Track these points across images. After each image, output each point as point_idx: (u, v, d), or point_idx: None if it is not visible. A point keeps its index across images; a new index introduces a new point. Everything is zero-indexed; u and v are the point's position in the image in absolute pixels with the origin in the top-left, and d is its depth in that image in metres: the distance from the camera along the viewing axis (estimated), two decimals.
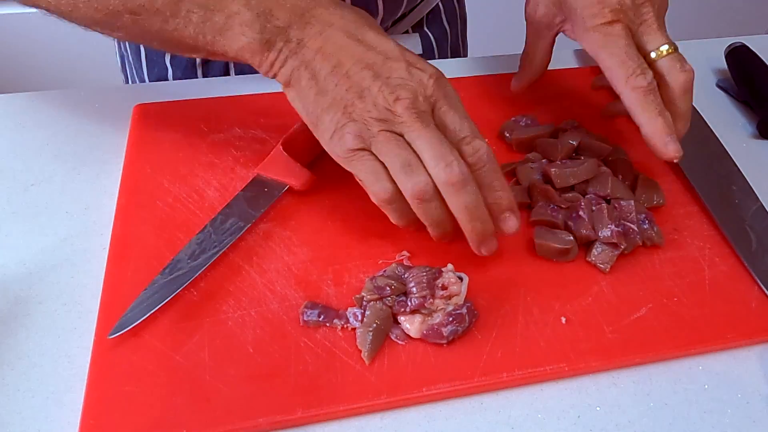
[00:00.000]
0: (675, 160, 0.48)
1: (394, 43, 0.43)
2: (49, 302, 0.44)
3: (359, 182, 0.43)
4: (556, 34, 0.55)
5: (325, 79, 0.42)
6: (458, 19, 0.81)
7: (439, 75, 0.43)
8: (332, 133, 0.42)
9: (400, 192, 0.42)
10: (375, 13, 0.65)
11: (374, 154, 0.42)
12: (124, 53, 0.74)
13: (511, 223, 0.44)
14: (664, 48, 0.49)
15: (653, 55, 0.49)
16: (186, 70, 0.69)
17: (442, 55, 0.78)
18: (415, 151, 0.42)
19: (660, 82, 0.48)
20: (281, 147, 0.51)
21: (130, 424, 0.38)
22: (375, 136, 0.41)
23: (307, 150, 0.52)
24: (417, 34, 0.74)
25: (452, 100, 0.43)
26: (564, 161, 0.51)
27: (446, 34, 0.78)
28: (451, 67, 0.61)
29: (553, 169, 0.50)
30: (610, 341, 0.43)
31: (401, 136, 0.42)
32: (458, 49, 0.82)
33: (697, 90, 0.51)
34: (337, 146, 0.42)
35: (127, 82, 0.77)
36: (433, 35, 0.76)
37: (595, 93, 0.52)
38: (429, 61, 0.44)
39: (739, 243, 0.49)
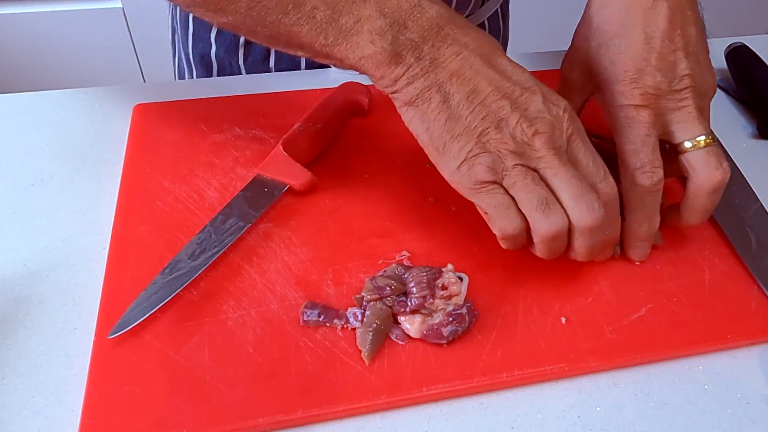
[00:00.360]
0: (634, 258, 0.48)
1: (528, 73, 0.42)
2: (49, 302, 0.44)
3: (482, 215, 0.42)
4: (587, 100, 0.51)
5: (459, 104, 0.40)
6: (500, 39, 0.79)
7: (571, 109, 0.42)
8: (461, 162, 0.40)
9: (526, 229, 0.41)
10: None
11: (504, 188, 0.40)
12: (175, 26, 0.75)
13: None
14: (701, 138, 0.44)
15: (688, 144, 0.44)
16: (229, 48, 0.69)
17: None
18: (551, 189, 0.40)
19: (691, 173, 0.45)
20: (281, 147, 0.51)
21: (130, 424, 0.38)
22: (509, 170, 0.40)
23: (307, 150, 0.52)
24: None
25: (584, 136, 0.42)
26: None
27: None
28: None
29: None
30: (610, 341, 0.43)
31: (536, 171, 0.40)
32: None
33: None
34: (465, 177, 0.40)
35: (174, 56, 0.78)
36: None
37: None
38: None
39: (739, 243, 0.49)
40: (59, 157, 0.54)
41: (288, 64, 0.68)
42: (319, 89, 0.60)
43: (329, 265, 0.46)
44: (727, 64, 0.66)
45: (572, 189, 0.40)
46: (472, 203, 0.42)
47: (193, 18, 0.71)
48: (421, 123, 0.41)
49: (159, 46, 1.59)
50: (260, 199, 0.49)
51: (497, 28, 0.78)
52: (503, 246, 0.43)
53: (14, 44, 1.54)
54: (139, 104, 0.57)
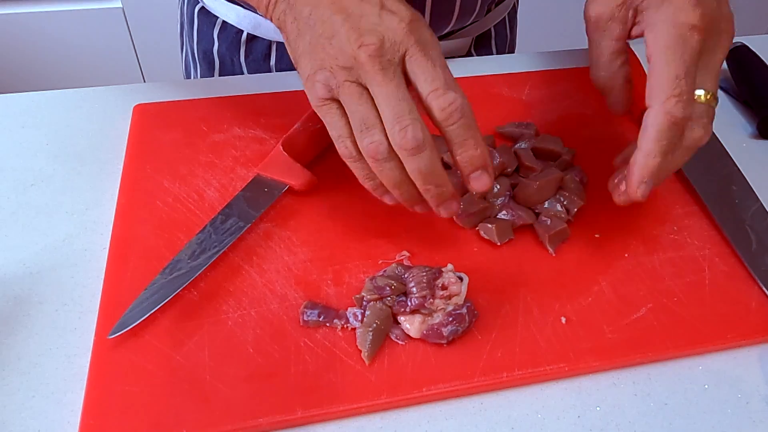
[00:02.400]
0: (620, 200, 0.44)
1: None
2: (49, 302, 0.44)
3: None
4: (625, 38, 0.47)
5: (304, 21, 0.41)
6: (507, 46, 0.78)
7: (413, 18, 0.40)
8: (305, 79, 0.41)
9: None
10: None
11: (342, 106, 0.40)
12: (183, 21, 0.75)
13: (483, 181, 0.41)
14: (701, 93, 0.42)
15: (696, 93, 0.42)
16: (231, 46, 0.69)
17: None
18: (376, 107, 0.39)
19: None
20: (281, 147, 0.51)
21: (130, 424, 0.38)
22: (340, 86, 0.39)
23: (307, 150, 0.52)
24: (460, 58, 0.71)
25: (427, 47, 0.39)
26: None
27: None
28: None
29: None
30: (610, 341, 0.43)
31: (366, 87, 0.39)
32: None
33: None
34: (310, 94, 0.41)
35: (182, 51, 0.78)
36: None
37: (596, 93, 0.51)
38: None
39: (739, 243, 0.49)
40: (59, 157, 0.54)
41: (289, 63, 0.68)
42: None
43: (329, 265, 0.46)
44: (727, 64, 0.66)
45: (390, 108, 0.38)
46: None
47: (198, 14, 0.71)
48: (286, 43, 0.43)
49: (159, 46, 1.59)
50: (260, 199, 0.49)
51: (504, 35, 0.77)
52: (402, 202, 0.43)
53: (14, 44, 1.54)
54: (139, 104, 0.57)
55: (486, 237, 0.48)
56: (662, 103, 0.41)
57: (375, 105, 0.39)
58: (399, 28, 0.39)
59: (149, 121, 0.56)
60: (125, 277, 0.44)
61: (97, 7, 1.52)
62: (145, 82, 1.63)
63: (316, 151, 0.53)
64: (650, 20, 0.44)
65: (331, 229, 0.48)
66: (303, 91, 0.59)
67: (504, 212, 0.49)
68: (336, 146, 0.42)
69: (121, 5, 1.52)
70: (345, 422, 0.39)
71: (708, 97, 0.43)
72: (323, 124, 0.52)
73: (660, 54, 0.42)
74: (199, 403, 0.39)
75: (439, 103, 0.39)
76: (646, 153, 0.41)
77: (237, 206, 0.48)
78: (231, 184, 0.51)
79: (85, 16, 1.51)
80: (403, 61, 0.39)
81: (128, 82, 0.59)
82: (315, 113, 0.53)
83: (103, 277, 0.45)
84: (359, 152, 0.41)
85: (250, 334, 0.42)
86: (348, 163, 0.42)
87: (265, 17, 0.44)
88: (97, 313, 0.43)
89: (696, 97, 0.42)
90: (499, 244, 0.47)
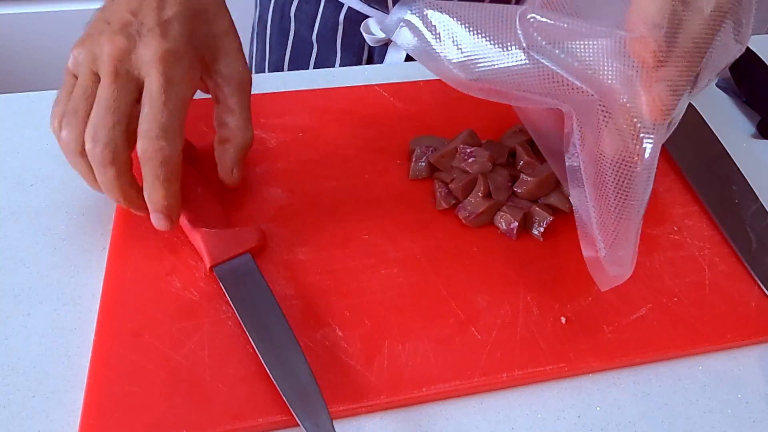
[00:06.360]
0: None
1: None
2: (49, 302, 0.44)
3: None
4: None
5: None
6: None
7: (178, 53, 0.41)
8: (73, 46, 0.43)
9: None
10: None
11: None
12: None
13: (160, 224, 0.43)
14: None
15: None
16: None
17: None
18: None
19: None
20: (201, 230, 0.45)
21: (130, 424, 0.38)
22: (80, 67, 0.42)
23: (213, 209, 0.47)
24: None
25: (170, 85, 0.40)
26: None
27: None
28: None
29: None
30: (610, 341, 0.43)
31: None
32: None
33: None
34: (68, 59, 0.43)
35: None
36: None
37: None
38: None
39: (739, 243, 0.49)
40: (59, 157, 0.53)
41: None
42: (321, 89, 0.60)
43: (329, 265, 0.46)
44: None
45: (97, 115, 0.40)
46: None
47: None
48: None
49: None
50: (240, 285, 0.43)
51: None
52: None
53: (14, 44, 1.54)
54: None
55: (503, 228, 0.48)
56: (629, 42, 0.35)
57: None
58: (154, 51, 0.40)
59: None
60: (125, 277, 0.44)
61: (97, 7, 1.52)
62: None
63: (221, 208, 0.48)
64: None
65: (331, 229, 0.48)
66: (303, 91, 0.60)
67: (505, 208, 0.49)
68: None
69: None
70: (345, 422, 0.39)
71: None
72: (205, 181, 0.48)
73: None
74: (199, 403, 0.39)
75: (143, 144, 0.40)
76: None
77: (247, 314, 0.42)
78: None
79: (85, 17, 1.51)
80: (140, 82, 0.41)
81: None
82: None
83: (103, 277, 0.45)
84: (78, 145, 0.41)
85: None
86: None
87: None
88: (97, 313, 0.43)
89: None
90: (515, 232, 0.48)
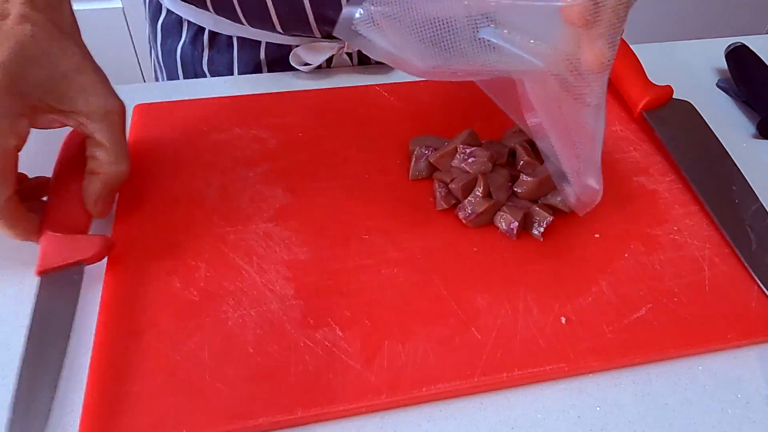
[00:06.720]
0: None
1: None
2: None
3: None
4: None
5: None
6: None
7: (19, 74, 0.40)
8: None
9: None
10: None
11: None
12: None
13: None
14: None
15: None
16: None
17: None
18: None
19: None
20: (47, 233, 0.43)
21: (130, 424, 0.38)
22: None
23: (75, 212, 0.45)
24: None
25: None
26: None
27: None
28: None
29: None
30: (610, 341, 0.43)
31: None
32: None
33: (697, 90, 0.51)
34: None
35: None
36: None
37: None
38: None
39: (739, 243, 0.49)
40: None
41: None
42: (321, 89, 0.60)
43: (329, 265, 0.46)
44: (727, 64, 0.66)
45: None
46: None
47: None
48: None
49: None
50: (61, 299, 0.41)
51: None
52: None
53: None
54: (139, 104, 0.57)
55: (503, 228, 0.48)
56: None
57: None
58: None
59: (149, 121, 0.56)
60: (125, 277, 0.44)
61: (97, 7, 1.52)
62: (145, 82, 1.63)
63: (86, 212, 0.46)
64: None
65: (331, 229, 0.48)
66: (303, 91, 0.60)
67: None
68: None
69: (121, 5, 1.52)
70: (345, 422, 0.39)
71: None
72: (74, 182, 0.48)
73: None
74: (199, 403, 0.39)
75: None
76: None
77: (41, 322, 0.40)
78: (231, 184, 0.51)
79: (85, 16, 1.51)
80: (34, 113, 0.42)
81: (128, 82, 0.59)
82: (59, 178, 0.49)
83: (103, 277, 0.45)
84: None
85: (250, 334, 0.42)
86: None
87: None
88: (96, 313, 0.43)
89: None
90: (515, 232, 0.48)
